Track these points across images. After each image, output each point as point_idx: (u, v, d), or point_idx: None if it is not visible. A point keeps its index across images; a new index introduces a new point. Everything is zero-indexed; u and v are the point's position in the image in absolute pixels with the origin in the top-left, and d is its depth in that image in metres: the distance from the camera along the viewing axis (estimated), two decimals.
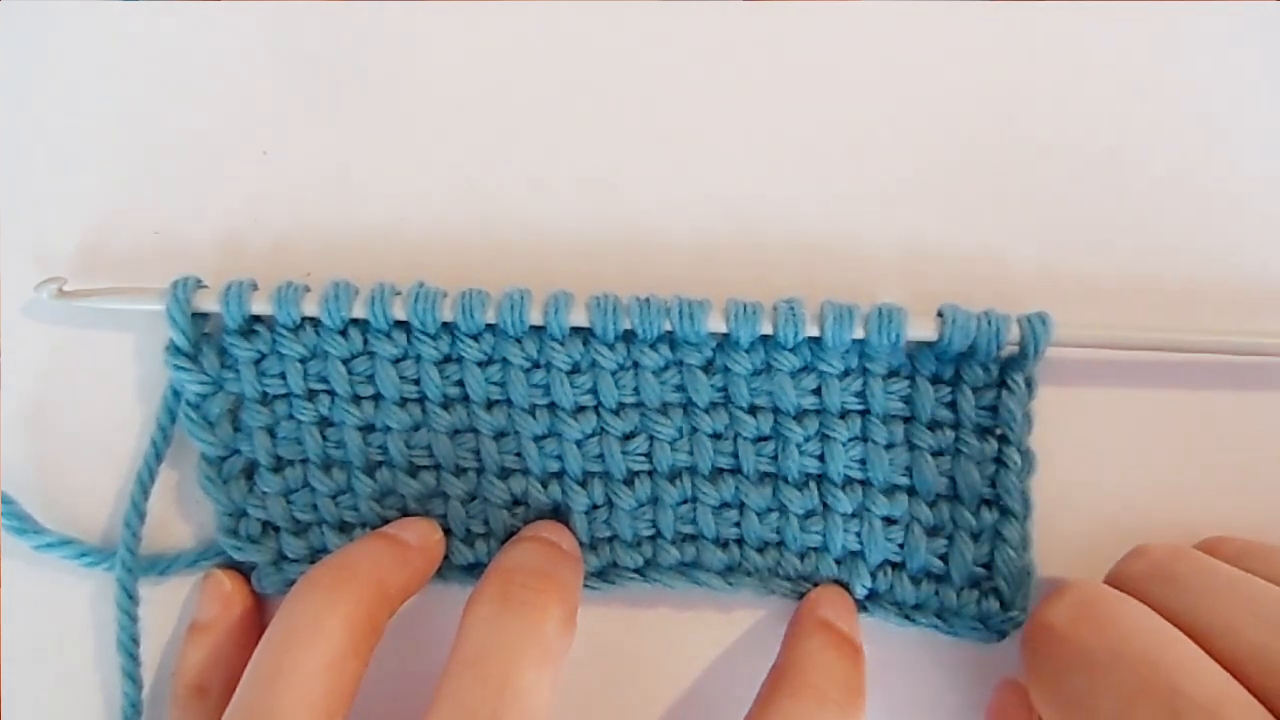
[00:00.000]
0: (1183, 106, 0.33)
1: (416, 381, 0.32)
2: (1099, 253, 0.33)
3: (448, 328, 0.32)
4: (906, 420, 0.32)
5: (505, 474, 0.32)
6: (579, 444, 0.32)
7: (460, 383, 0.32)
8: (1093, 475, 0.33)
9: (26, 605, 0.34)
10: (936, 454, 0.31)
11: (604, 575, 0.32)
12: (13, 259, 0.34)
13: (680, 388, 0.32)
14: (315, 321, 0.32)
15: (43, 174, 0.35)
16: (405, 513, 0.33)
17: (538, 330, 0.31)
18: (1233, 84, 0.33)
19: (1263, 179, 0.33)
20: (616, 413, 0.32)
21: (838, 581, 0.32)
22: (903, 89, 0.34)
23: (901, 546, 0.32)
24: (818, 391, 0.32)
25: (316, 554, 0.33)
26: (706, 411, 0.32)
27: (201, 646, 0.31)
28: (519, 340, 0.32)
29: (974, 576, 0.32)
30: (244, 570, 0.33)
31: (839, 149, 0.34)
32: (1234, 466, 0.33)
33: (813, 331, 0.31)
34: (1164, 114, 0.33)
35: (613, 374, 0.32)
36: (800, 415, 0.32)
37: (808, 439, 0.32)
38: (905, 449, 0.32)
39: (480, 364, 0.32)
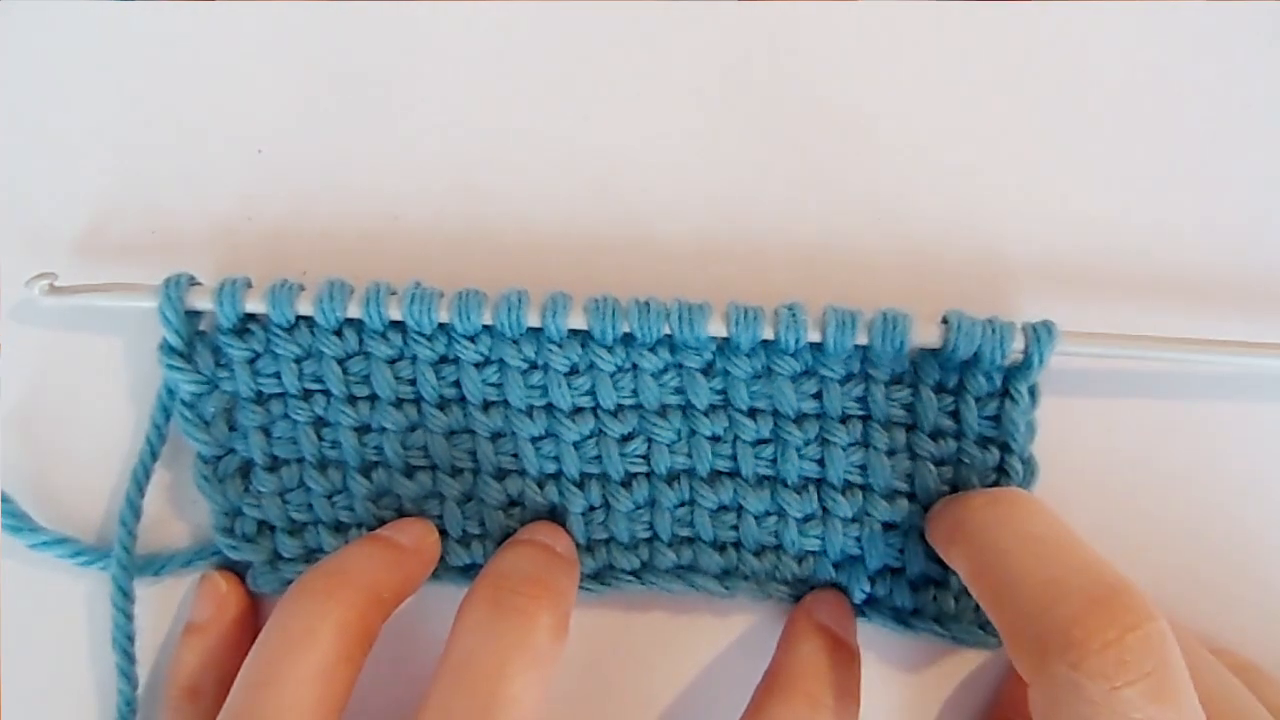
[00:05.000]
0: (1190, 105, 0.33)
1: (412, 382, 0.32)
2: (1103, 257, 0.33)
3: (444, 328, 0.31)
4: (908, 428, 0.31)
5: (502, 475, 0.32)
6: (576, 445, 0.32)
7: (456, 383, 0.32)
8: (1093, 483, 0.33)
9: (22, 604, 0.34)
10: (939, 463, 0.31)
11: (600, 578, 0.32)
12: (8, 255, 0.34)
13: (679, 390, 0.31)
14: (310, 320, 0.31)
15: (39, 171, 0.34)
16: (401, 513, 0.33)
17: (535, 331, 0.31)
18: (1240, 82, 0.33)
19: (1268, 180, 0.33)
20: (615, 414, 0.32)
21: (835, 585, 0.32)
22: (904, 89, 0.34)
23: (901, 552, 0.32)
24: (818, 396, 0.31)
25: (312, 553, 0.33)
26: (705, 414, 0.31)
27: (195, 649, 0.31)
28: (516, 341, 0.31)
29: None
30: (240, 571, 0.33)
31: (836, 149, 0.33)
32: (1237, 477, 0.32)
33: (814, 337, 0.30)
34: (1169, 113, 0.33)
35: (611, 376, 0.31)
36: (800, 419, 0.31)
37: (807, 443, 0.31)
38: (906, 456, 0.31)
39: (477, 365, 0.31)
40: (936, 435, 0.31)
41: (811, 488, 0.32)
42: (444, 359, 0.32)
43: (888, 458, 0.31)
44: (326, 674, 0.27)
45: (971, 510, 0.28)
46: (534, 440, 0.32)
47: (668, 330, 0.30)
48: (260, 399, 0.32)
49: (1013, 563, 0.26)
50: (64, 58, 0.35)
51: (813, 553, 0.32)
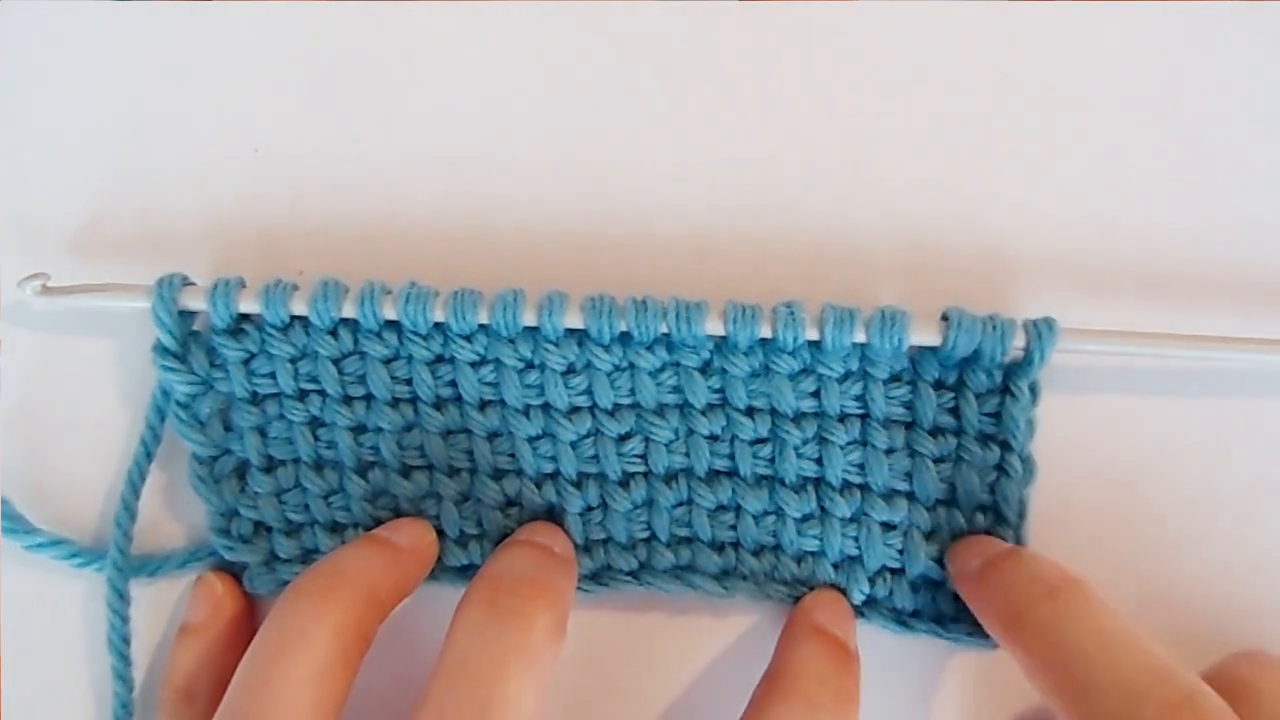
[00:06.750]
0: (1187, 103, 0.33)
1: (408, 382, 0.32)
2: (1103, 254, 0.33)
3: (440, 327, 0.31)
4: (907, 426, 0.31)
5: (499, 475, 0.32)
6: (574, 445, 0.32)
7: (453, 383, 0.32)
8: (1094, 481, 0.32)
9: (18, 605, 0.34)
10: (938, 461, 0.31)
11: (598, 578, 0.32)
12: (2, 255, 0.34)
13: (677, 389, 0.31)
14: (305, 320, 0.31)
15: (35, 170, 0.34)
16: (398, 514, 0.32)
17: (532, 331, 0.31)
18: (1237, 81, 0.33)
19: (1268, 178, 0.33)
20: (612, 414, 0.31)
21: (834, 586, 0.32)
22: (903, 87, 0.33)
23: (901, 553, 0.31)
24: (816, 394, 0.31)
25: (308, 554, 0.32)
26: (703, 413, 0.31)
27: (191, 650, 0.31)
28: (512, 341, 0.31)
29: None
30: (236, 572, 0.33)
31: (837, 147, 0.33)
32: (1239, 476, 0.32)
33: (813, 335, 0.30)
34: (1168, 111, 0.33)
35: (608, 375, 0.31)
36: (798, 418, 0.31)
37: (806, 442, 0.31)
38: (905, 455, 0.31)
39: (473, 364, 0.31)
40: (936, 433, 0.31)
41: (810, 487, 0.31)
42: (440, 358, 0.32)
43: (886, 456, 0.31)
44: (323, 675, 0.27)
45: (1032, 603, 0.28)
46: (531, 440, 0.32)
47: (665, 329, 0.30)
48: (255, 399, 0.32)
49: (1082, 663, 0.26)
50: (60, 57, 0.35)
51: (811, 553, 0.32)
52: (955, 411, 0.31)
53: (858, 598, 0.32)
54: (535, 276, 0.32)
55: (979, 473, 0.31)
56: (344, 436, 0.32)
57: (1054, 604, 0.27)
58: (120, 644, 0.32)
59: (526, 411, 0.31)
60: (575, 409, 0.31)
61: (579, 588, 0.31)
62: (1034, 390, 0.30)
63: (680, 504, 0.32)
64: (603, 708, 0.33)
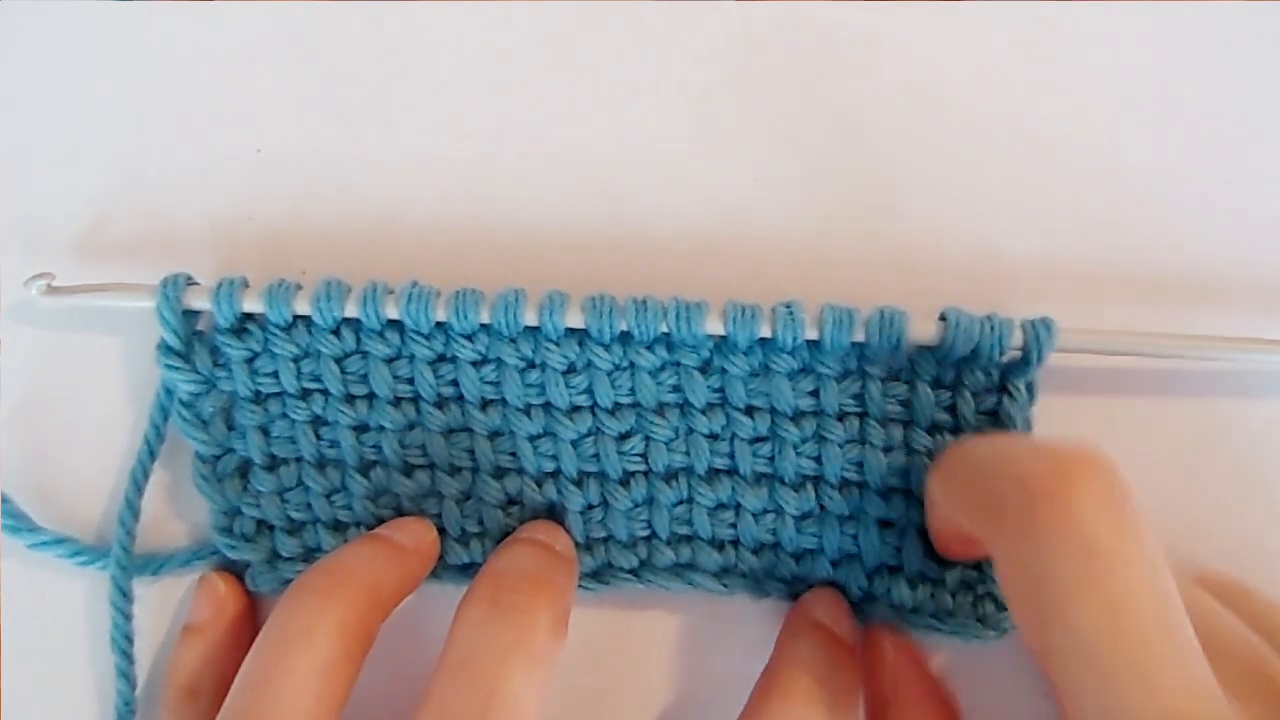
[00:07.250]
0: (1185, 104, 0.33)
1: (410, 381, 0.32)
2: (1100, 254, 0.33)
3: (441, 327, 0.31)
4: (905, 424, 0.31)
5: (500, 473, 0.32)
6: (574, 444, 0.32)
7: (454, 382, 0.32)
8: None
9: (21, 603, 0.34)
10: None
11: (599, 576, 0.32)
12: (7, 255, 0.34)
13: (677, 388, 0.31)
14: (308, 320, 0.31)
15: (38, 171, 0.34)
16: (400, 512, 0.33)
17: (533, 330, 0.31)
18: (1235, 82, 0.33)
19: (1266, 179, 0.33)
20: (612, 413, 0.32)
21: (833, 583, 0.32)
22: (903, 87, 0.34)
23: (899, 550, 0.32)
24: (815, 393, 0.31)
25: (311, 553, 0.33)
26: (703, 412, 0.32)
27: (194, 649, 0.32)
28: (514, 340, 0.31)
29: (966, 579, 0.31)
30: (238, 572, 0.33)
31: (834, 147, 0.34)
32: (1235, 476, 0.32)
33: (812, 334, 0.30)
34: (1166, 112, 0.33)
35: (608, 374, 0.31)
36: (797, 416, 0.31)
37: (804, 440, 0.31)
38: (903, 453, 0.31)
39: (474, 364, 0.32)
40: (933, 431, 0.31)
41: (809, 485, 0.32)
42: (441, 358, 0.32)
43: (884, 454, 0.31)
44: (326, 673, 0.27)
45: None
46: (532, 439, 0.32)
47: (665, 328, 0.31)
48: (258, 398, 0.32)
49: (985, 461, 0.26)
50: (63, 58, 0.35)
51: (810, 550, 0.32)
52: (952, 410, 0.31)
53: (856, 595, 0.32)
54: (536, 276, 0.32)
55: None
56: (346, 435, 0.32)
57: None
58: (123, 642, 0.32)
59: (528, 410, 0.32)
60: (576, 408, 0.32)
61: (580, 585, 0.32)
62: (1031, 390, 0.30)
63: (680, 502, 0.32)
64: (603, 705, 0.33)
